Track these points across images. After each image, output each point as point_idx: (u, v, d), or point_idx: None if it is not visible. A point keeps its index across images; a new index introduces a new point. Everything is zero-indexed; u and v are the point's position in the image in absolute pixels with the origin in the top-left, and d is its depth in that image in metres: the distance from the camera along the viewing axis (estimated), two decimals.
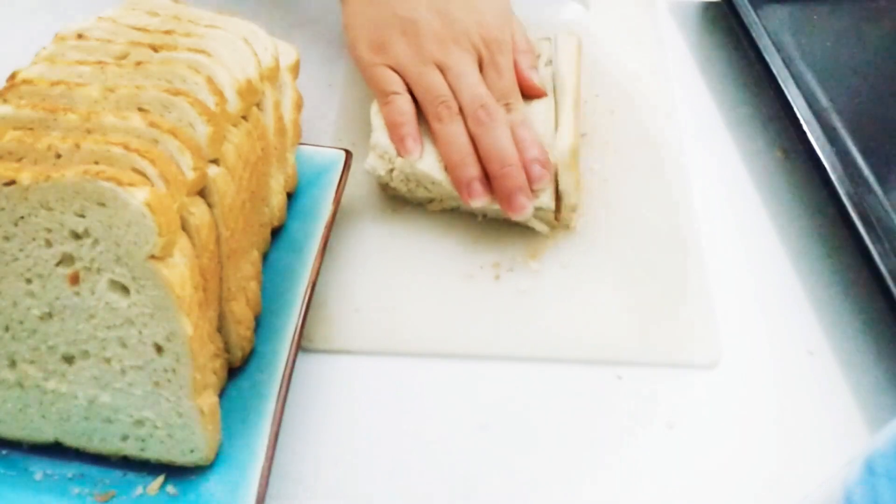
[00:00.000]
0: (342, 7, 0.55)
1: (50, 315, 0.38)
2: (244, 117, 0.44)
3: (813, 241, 0.53)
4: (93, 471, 0.39)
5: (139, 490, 0.39)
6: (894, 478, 0.30)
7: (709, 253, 0.51)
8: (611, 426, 0.44)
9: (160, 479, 0.39)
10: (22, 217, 0.36)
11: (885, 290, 0.46)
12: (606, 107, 0.59)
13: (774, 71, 0.57)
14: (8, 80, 0.41)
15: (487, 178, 0.49)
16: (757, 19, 0.61)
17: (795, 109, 0.54)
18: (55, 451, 0.40)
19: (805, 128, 0.53)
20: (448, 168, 0.49)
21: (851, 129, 0.54)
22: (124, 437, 0.39)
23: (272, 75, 0.47)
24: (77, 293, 0.37)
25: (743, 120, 0.60)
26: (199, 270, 0.38)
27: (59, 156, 0.37)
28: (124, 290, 0.37)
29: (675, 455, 0.43)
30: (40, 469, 0.39)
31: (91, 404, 0.39)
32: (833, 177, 0.50)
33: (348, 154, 0.51)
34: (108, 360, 0.38)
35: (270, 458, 0.38)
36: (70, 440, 0.40)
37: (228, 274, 0.41)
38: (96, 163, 0.36)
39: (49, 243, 0.36)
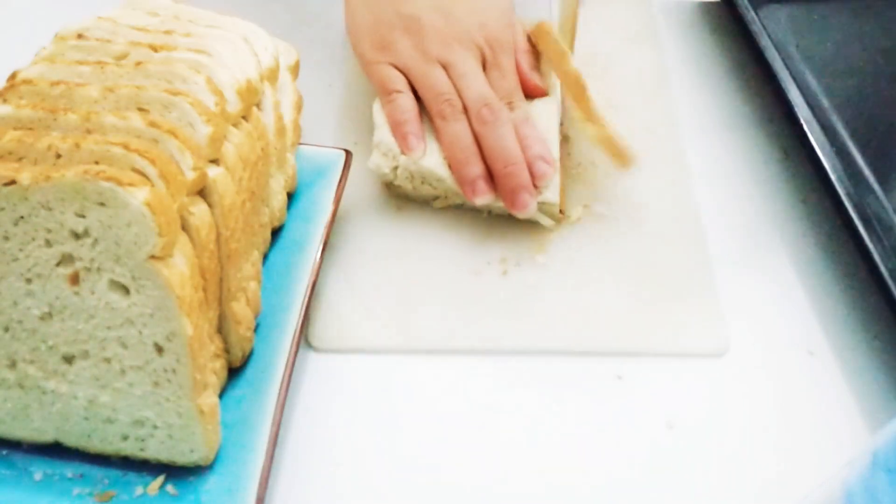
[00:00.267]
0: (345, 5, 0.55)
1: (50, 315, 0.38)
2: (244, 117, 0.44)
3: (813, 241, 0.53)
4: (93, 471, 0.39)
5: (139, 490, 0.39)
6: (893, 473, 0.30)
7: (709, 253, 0.51)
8: (614, 421, 0.44)
9: (160, 479, 0.39)
10: (22, 217, 0.36)
11: (885, 290, 0.46)
12: (607, 102, 0.59)
13: (774, 71, 0.57)
14: (8, 80, 0.41)
15: (491, 176, 0.49)
16: (757, 19, 0.61)
17: (795, 109, 0.54)
18: (55, 451, 0.40)
19: (805, 128, 0.53)
20: (452, 166, 0.50)
21: (851, 129, 0.54)
22: (124, 437, 0.39)
23: (272, 75, 0.47)
24: (77, 293, 0.37)
25: (743, 120, 0.60)
26: (199, 270, 0.38)
27: (59, 156, 0.37)
28: (124, 290, 0.37)
29: (675, 455, 0.43)
30: (40, 469, 0.39)
31: (91, 404, 0.39)
32: (833, 177, 0.50)
33: (348, 154, 0.51)
34: (108, 360, 0.38)
35: (270, 458, 0.38)
36: (70, 440, 0.40)
37: (228, 274, 0.41)
38: (96, 163, 0.36)
39: (49, 243, 0.36)
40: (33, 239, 0.36)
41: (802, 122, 0.54)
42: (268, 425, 0.40)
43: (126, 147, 0.37)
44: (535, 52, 0.54)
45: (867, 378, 0.46)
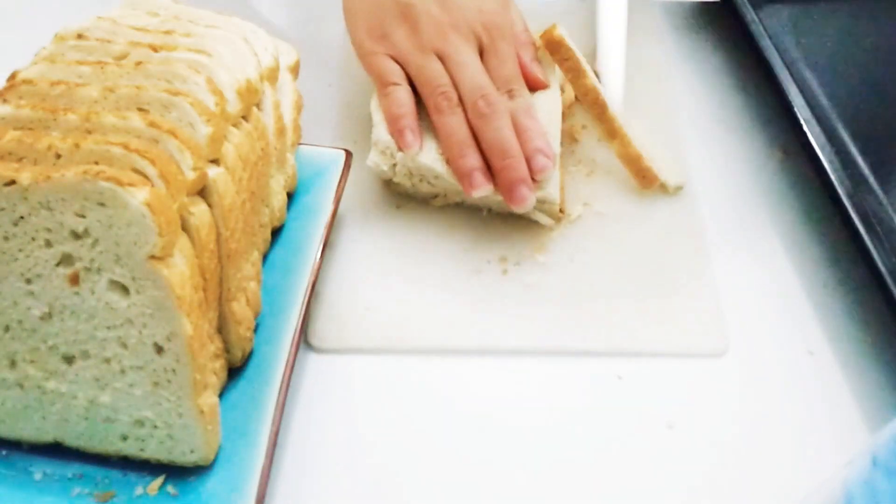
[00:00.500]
0: None
1: (50, 315, 0.38)
2: (244, 117, 0.44)
3: (813, 241, 0.53)
4: (93, 471, 0.40)
5: (139, 490, 0.39)
6: (894, 473, 0.30)
7: (709, 252, 0.51)
8: (614, 421, 0.44)
9: (160, 479, 0.39)
10: (22, 217, 0.36)
11: (885, 290, 0.46)
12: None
13: (774, 71, 0.57)
14: (8, 80, 0.41)
15: (489, 168, 0.49)
16: (757, 19, 0.61)
17: (795, 109, 0.54)
18: (55, 451, 0.40)
19: (805, 128, 0.53)
20: (448, 159, 0.49)
21: (851, 129, 0.54)
22: (124, 437, 0.39)
23: (272, 75, 0.47)
24: (77, 293, 0.37)
25: (743, 120, 0.60)
26: (199, 270, 0.38)
27: (59, 156, 0.37)
28: (124, 290, 0.37)
29: (675, 455, 0.43)
30: (40, 469, 0.39)
31: (91, 404, 0.39)
32: (833, 177, 0.50)
33: (348, 154, 0.51)
34: (108, 361, 0.38)
35: (270, 458, 0.38)
36: (70, 440, 0.40)
37: (228, 274, 0.41)
38: (96, 163, 0.36)
39: (49, 243, 0.36)
40: (33, 239, 0.36)
41: (802, 122, 0.54)
42: (268, 425, 0.40)
43: (126, 147, 0.37)
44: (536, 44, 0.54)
45: (867, 378, 0.46)
